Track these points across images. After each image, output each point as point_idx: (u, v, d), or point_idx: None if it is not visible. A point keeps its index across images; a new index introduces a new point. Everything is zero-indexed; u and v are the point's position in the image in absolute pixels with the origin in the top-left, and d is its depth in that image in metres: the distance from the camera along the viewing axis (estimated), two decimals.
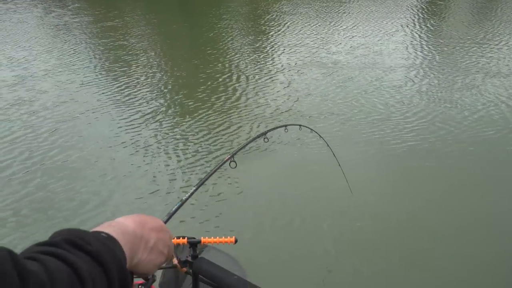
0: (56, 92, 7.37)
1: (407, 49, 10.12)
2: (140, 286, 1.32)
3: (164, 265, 1.09)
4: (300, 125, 3.92)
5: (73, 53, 9.64)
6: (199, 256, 1.84)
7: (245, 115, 6.56)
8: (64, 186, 4.80)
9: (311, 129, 3.99)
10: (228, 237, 1.92)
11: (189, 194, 2.01)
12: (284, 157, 5.43)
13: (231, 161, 2.37)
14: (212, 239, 1.90)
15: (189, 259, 1.81)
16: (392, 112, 6.68)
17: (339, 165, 4.29)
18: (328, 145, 4.19)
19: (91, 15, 13.82)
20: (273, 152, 5.52)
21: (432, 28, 12.43)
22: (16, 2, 15.68)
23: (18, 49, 9.91)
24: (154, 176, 5.00)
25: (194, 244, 1.84)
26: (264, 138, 2.96)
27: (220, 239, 1.92)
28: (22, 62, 8.95)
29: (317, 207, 4.52)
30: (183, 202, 1.97)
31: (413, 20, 13.44)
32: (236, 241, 1.91)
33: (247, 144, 2.68)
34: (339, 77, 8.16)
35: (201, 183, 2.11)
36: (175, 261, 1.80)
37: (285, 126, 3.48)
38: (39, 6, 15.06)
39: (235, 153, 2.43)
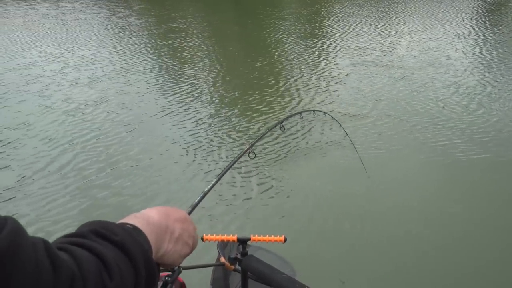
0: (123, 96, 7.45)
1: (480, 52, 9.66)
2: (166, 278, 1.31)
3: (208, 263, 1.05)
4: (314, 110, 4.07)
5: (139, 54, 9.81)
6: (248, 254, 1.84)
7: (311, 118, 6.41)
8: (129, 188, 4.83)
9: (324, 112, 4.01)
10: (278, 235, 1.91)
11: (211, 185, 2.00)
12: (327, 159, 5.32)
13: (249, 152, 2.38)
14: (261, 237, 1.91)
15: (238, 256, 1.82)
16: (459, 118, 6.34)
17: (364, 168, 4.16)
18: (347, 134, 4.24)
19: (155, 16, 14.11)
20: (317, 151, 5.43)
21: (505, 30, 11.88)
22: (82, 2, 16.25)
23: (87, 49, 10.19)
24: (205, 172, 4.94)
25: (243, 242, 1.85)
26: (280, 127, 2.95)
27: (270, 238, 1.92)
28: (91, 63, 9.17)
29: (368, 209, 4.39)
30: (205, 194, 1.96)
31: (484, 22, 12.92)
32: (285, 240, 1.91)
33: (264, 134, 2.72)
34: (409, 82, 7.86)
35: (222, 174, 2.11)
36: (222, 259, 1.85)
37: (300, 113, 3.63)
38: (104, 7, 15.54)
39: (253, 144, 2.43)
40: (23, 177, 4.98)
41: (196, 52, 10.02)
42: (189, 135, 5.94)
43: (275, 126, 2.92)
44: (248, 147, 2.37)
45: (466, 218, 4.25)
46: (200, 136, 5.93)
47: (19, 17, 13.81)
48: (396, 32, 11.68)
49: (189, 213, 1.76)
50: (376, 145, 5.61)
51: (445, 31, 11.63)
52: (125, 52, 9.93)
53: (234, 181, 4.88)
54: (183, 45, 10.68)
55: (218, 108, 6.95)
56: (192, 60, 9.46)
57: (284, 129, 2.97)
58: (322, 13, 14.44)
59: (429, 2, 15.83)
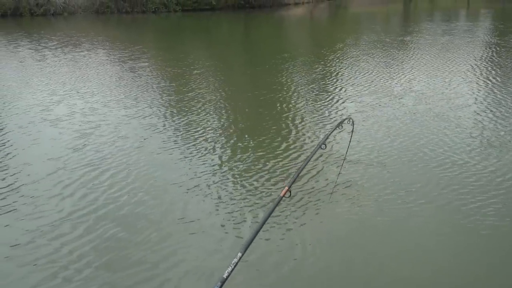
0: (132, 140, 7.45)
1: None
2: None
3: None
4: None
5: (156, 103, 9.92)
6: None
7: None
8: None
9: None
10: None
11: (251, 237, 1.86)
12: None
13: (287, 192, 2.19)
14: None
15: None
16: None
17: None
18: None
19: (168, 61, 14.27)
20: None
21: None
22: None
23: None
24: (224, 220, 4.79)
25: None
26: (322, 145, 2.81)
27: None
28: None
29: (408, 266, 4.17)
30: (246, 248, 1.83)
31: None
32: None
33: (305, 166, 2.59)
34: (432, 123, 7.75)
35: (260, 225, 1.95)
36: None
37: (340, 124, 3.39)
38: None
39: (291, 185, 2.28)
40: None
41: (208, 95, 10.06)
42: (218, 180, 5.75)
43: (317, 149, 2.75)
44: (285, 189, 2.21)
45: None
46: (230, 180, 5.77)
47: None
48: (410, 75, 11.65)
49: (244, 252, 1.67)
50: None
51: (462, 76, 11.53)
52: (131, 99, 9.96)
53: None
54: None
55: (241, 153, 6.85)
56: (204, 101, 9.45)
57: (325, 146, 2.80)
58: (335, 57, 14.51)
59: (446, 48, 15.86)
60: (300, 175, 5.70)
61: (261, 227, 1.85)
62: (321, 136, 7.29)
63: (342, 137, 7.16)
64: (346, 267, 4.16)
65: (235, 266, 1.59)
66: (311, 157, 2.61)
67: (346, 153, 4.65)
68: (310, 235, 4.62)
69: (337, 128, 3.42)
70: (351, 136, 4.56)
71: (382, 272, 4.08)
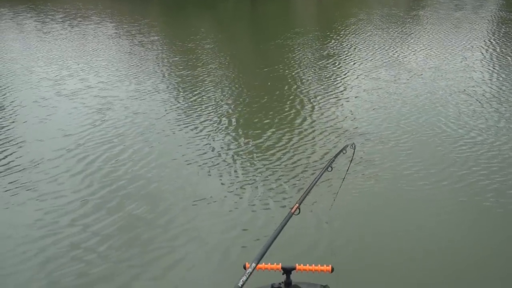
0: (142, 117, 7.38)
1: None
2: None
3: None
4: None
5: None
6: (293, 284, 1.73)
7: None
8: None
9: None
10: (324, 265, 1.83)
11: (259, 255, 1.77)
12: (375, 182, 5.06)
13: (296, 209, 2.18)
14: (307, 267, 1.84)
15: (282, 286, 1.73)
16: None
17: None
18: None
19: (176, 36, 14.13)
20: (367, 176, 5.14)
21: None
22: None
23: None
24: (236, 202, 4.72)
25: (288, 271, 1.79)
26: (328, 168, 2.75)
27: (316, 267, 1.85)
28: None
29: (420, 243, 4.14)
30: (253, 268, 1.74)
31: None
32: (332, 270, 1.85)
33: (313, 186, 2.45)
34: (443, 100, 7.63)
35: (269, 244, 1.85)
36: None
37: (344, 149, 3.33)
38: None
39: (301, 203, 2.23)
40: None
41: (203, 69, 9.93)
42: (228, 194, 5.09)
43: (324, 171, 2.67)
44: (295, 206, 2.18)
45: None
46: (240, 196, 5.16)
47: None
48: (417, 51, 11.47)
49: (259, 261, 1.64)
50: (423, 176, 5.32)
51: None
52: (137, 78, 9.85)
53: (279, 206, 4.71)
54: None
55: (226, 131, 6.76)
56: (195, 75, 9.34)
57: (332, 169, 2.75)
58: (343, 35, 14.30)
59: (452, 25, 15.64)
60: (314, 151, 5.80)
61: (272, 241, 1.82)
62: (338, 117, 7.22)
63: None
64: (360, 242, 4.18)
65: (249, 275, 1.61)
66: (318, 179, 2.55)
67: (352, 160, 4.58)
68: (325, 212, 4.58)
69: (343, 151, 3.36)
70: (351, 160, 4.45)
71: (398, 249, 4.08)
